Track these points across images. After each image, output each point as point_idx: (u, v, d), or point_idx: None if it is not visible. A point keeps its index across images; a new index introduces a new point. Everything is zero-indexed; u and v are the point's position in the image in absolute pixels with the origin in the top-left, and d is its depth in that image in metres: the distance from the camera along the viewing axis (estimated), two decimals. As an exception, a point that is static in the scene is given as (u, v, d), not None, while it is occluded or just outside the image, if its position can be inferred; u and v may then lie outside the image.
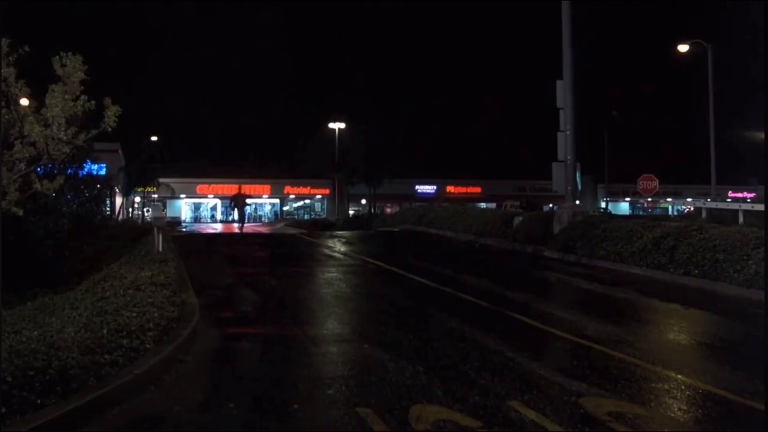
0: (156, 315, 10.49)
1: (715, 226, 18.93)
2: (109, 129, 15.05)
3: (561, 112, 24.93)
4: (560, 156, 25.13)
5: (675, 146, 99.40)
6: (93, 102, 14.85)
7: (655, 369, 9.26)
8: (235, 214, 43.71)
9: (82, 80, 14.75)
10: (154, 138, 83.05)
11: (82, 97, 14.68)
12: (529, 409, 7.58)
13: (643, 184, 38.43)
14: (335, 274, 18.79)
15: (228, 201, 47.25)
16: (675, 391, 8.37)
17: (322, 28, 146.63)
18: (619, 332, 11.58)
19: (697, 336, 11.85)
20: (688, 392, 8.36)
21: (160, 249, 19.44)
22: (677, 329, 12.37)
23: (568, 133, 24.75)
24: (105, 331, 9.29)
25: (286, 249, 27.57)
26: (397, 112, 78.80)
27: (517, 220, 27.53)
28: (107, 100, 14.86)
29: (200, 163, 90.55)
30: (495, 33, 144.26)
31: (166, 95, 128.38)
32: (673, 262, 17.88)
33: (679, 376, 8.92)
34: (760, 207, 31.99)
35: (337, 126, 79.35)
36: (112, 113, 14.74)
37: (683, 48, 44.48)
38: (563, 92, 25.07)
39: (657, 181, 38.08)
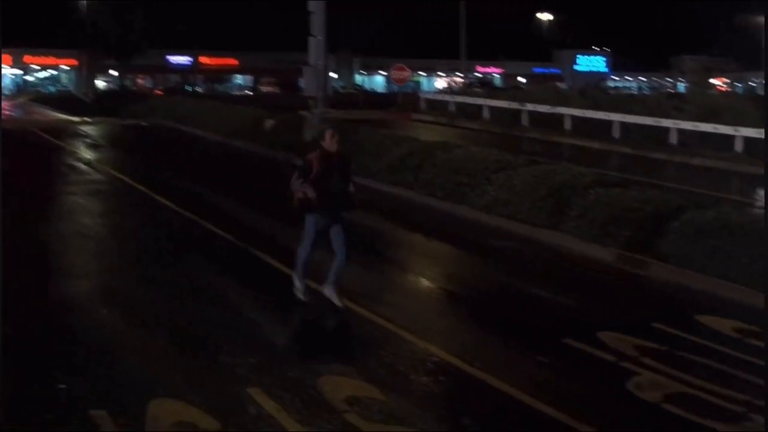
0: None
1: (459, 145, 19.48)
2: None
3: (312, 16, 24.21)
4: (311, 60, 24.56)
5: (430, 22, 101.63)
6: None
7: (396, 332, 9.37)
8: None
9: None
10: None
11: None
12: (269, 399, 7.43)
13: (395, 74, 39.11)
14: (79, 198, 17.87)
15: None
16: (415, 363, 8.50)
17: None
18: (364, 278, 11.59)
19: (440, 280, 12.37)
20: (427, 364, 8.51)
21: None
22: (419, 270, 12.84)
23: (320, 38, 24.23)
24: None
25: (26, 157, 25.59)
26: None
27: (269, 123, 27.08)
28: None
29: None
30: None
31: None
32: (419, 181, 18.21)
33: (421, 343, 9.03)
34: (503, 104, 33.74)
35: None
36: None
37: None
38: (314, -4, 24.34)
39: (409, 72, 38.98)
